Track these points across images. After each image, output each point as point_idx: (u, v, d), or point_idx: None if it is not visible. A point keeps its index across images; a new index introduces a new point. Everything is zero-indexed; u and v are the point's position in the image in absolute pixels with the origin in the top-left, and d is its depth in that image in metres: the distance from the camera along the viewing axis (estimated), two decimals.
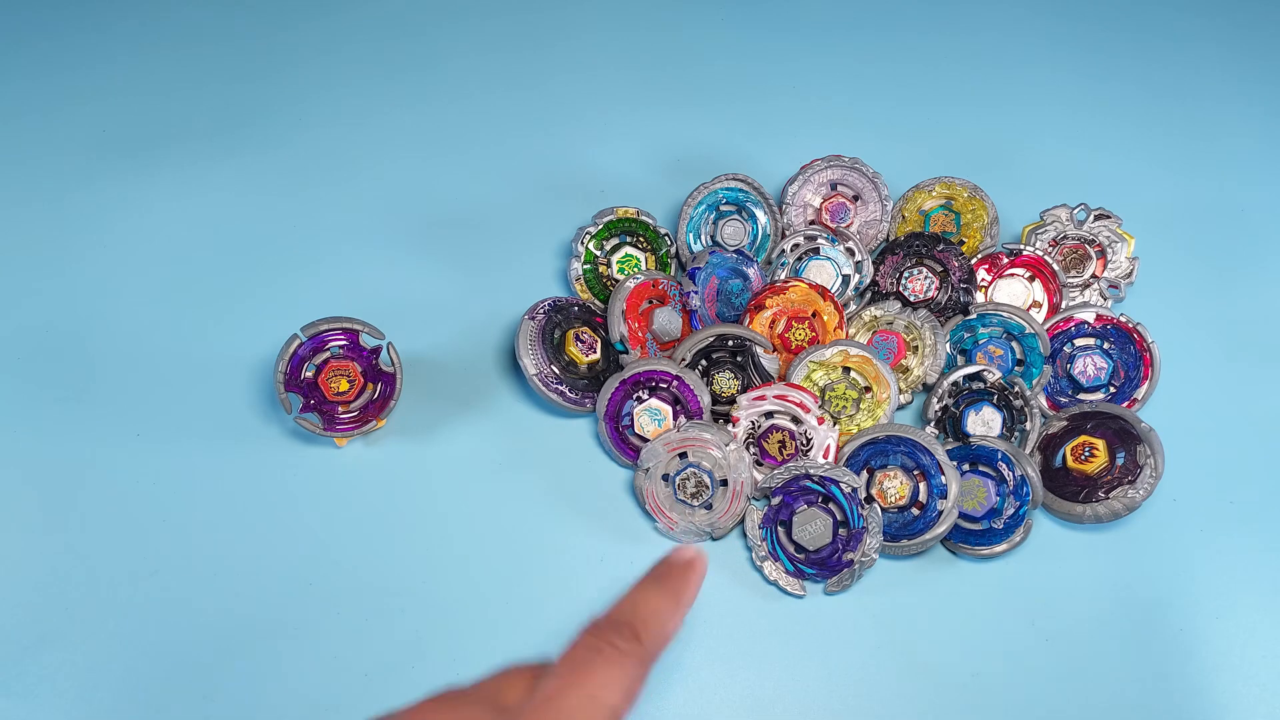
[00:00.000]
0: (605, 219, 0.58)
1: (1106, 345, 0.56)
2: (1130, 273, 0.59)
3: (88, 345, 0.57)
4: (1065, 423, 0.53)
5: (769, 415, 0.52)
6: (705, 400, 0.53)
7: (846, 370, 0.54)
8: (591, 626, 0.32)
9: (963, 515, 0.50)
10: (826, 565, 0.49)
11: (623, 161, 0.66)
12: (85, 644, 0.48)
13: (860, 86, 0.71)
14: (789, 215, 0.60)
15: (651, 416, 0.52)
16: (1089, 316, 0.56)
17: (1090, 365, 0.55)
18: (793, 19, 0.75)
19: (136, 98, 0.69)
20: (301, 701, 0.47)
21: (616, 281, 0.58)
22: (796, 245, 0.58)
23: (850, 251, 0.58)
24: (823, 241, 0.58)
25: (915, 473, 0.50)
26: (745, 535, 0.51)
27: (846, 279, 0.58)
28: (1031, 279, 0.58)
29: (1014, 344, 0.55)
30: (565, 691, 0.30)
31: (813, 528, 0.49)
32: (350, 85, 0.70)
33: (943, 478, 0.50)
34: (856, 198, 0.60)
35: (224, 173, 0.65)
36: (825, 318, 0.55)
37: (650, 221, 0.59)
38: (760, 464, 0.52)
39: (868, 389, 0.54)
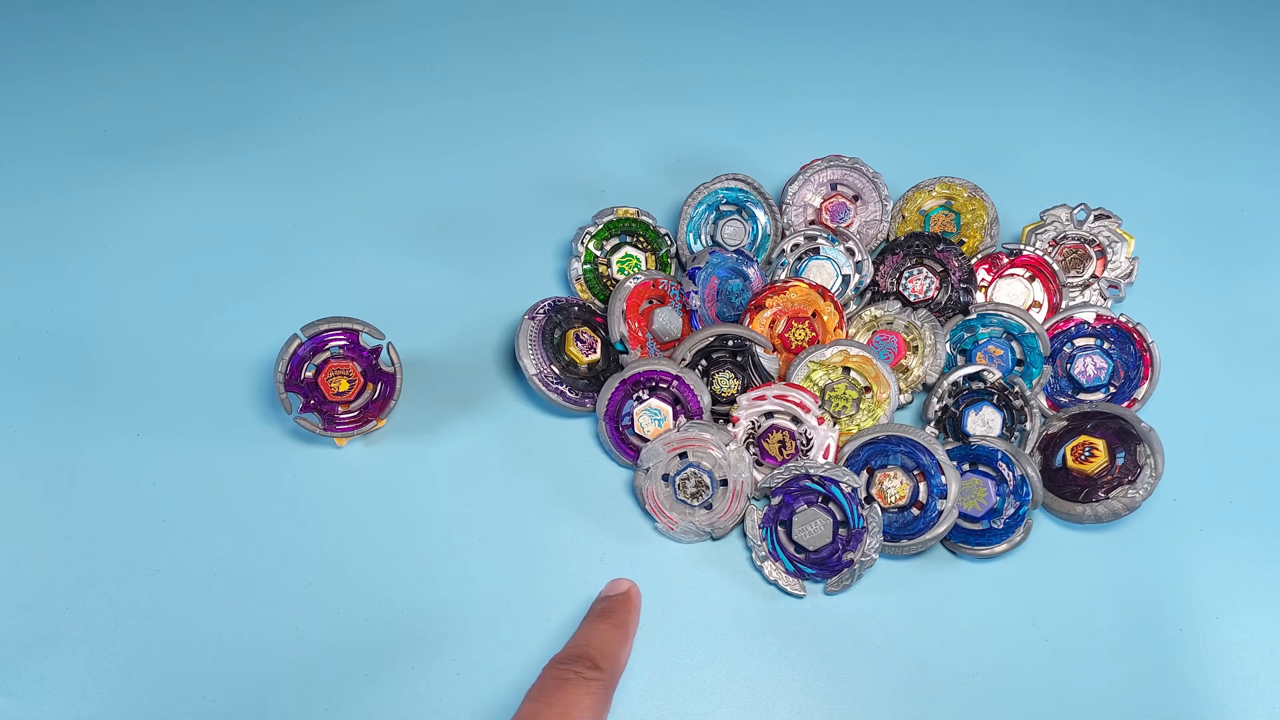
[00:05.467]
0: (605, 219, 0.58)
1: (1106, 345, 0.56)
2: (1130, 273, 0.59)
3: (88, 345, 0.57)
4: (1065, 423, 0.53)
5: (769, 415, 0.52)
6: (705, 400, 0.53)
7: (846, 370, 0.54)
8: (552, 662, 0.33)
9: (963, 515, 0.50)
10: (826, 565, 0.49)
11: (623, 161, 0.66)
12: (85, 644, 0.48)
13: (860, 86, 0.71)
14: (789, 215, 0.60)
15: (651, 416, 0.52)
16: (1089, 316, 0.56)
17: (1090, 365, 0.55)
18: (793, 19, 0.75)
19: (136, 97, 0.69)
20: (301, 701, 0.47)
21: (616, 281, 0.58)
22: (796, 245, 0.58)
23: (850, 251, 0.58)
24: (823, 241, 0.58)
25: (915, 473, 0.50)
26: (745, 535, 0.51)
27: (846, 279, 0.58)
28: (1031, 279, 0.58)
29: (1014, 344, 0.55)
30: (538, 714, 0.31)
31: (813, 528, 0.49)
32: (350, 85, 0.70)
33: (943, 478, 0.50)
34: (856, 198, 0.60)
35: (224, 172, 0.65)
36: (825, 318, 0.55)
37: (650, 221, 0.59)
38: (760, 464, 0.52)
39: (868, 389, 0.54)
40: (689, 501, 0.51)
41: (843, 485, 0.49)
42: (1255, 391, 0.57)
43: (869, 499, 0.50)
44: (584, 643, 0.36)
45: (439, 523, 0.52)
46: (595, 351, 0.54)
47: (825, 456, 0.52)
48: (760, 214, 0.60)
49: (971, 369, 0.54)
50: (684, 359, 0.54)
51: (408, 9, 0.75)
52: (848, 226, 0.60)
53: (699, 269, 0.57)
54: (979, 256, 0.58)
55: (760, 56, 0.73)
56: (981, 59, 0.73)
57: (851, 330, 0.56)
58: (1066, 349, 0.56)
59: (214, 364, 0.57)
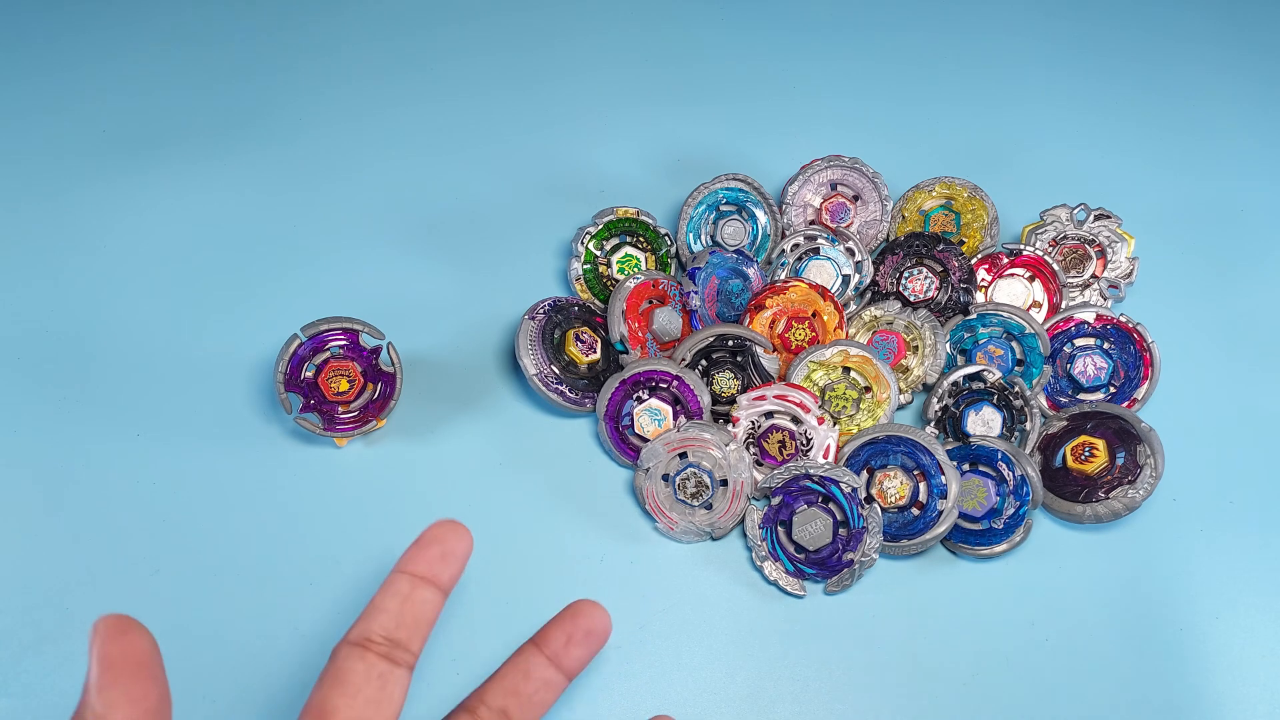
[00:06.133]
0: (605, 219, 0.58)
1: (1106, 345, 0.56)
2: (1130, 273, 0.59)
3: (87, 345, 0.57)
4: (1065, 423, 0.53)
5: (769, 415, 0.52)
6: (705, 400, 0.53)
7: (846, 370, 0.54)
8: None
9: (963, 515, 0.50)
10: (826, 565, 0.49)
11: (623, 161, 0.66)
12: (85, 644, 0.48)
13: (860, 86, 0.71)
14: (789, 215, 0.60)
15: (651, 416, 0.52)
16: (1089, 316, 0.56)
17: (1090, 365, 0.55)
18: (793, 19, 0.75)
19: (136, 97, 0.69)
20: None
21: (616, 281, 0.58)
22: (796, 245, 0.58)
23: (850, 251, 0.58)
24: (823, 241, 0.58)
25: (915, 473, 0.50)
26: (745, 535, 0.51)
27: (846, 279, 0.58)
28: (1031, 279, 0.58)
29: (1014, 344, 0.55)
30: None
31: (813, 528, 0.49)
32: (350, 85, 0.70)
33: (943, 478, 0.50)
34: (856, 198, 0.60)
35: (224, 172, 0.65)
36: (825, 318, 0.55)
37: (650, 221, 0.59)
38: (760, 464, 0.52)
39: (868, 389, 0.54)
40: (689, 501, 0.51)
41: (843, 485, 0.49)
42: (1255, 391, 0.57)
43: (869, 499, 0.50)
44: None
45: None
46: (595, 351, 0.54)
47: (825, 456, 0.52)
48: (760, 214, 0.60)
49: (971, 369, 0.54)
50: (684, 359, 0.54)
51: (408, 9, 0.75)
52: (848, 226, 0.60)
53: (699, 269, 0.57)
54: (979, 256, 0.58)
55: (760, 57, 0.73)
56: (982, 59, 0.73)
57: (851, 330, 0.56)
58: (1066, 349, 0.56)
59: (214, 364, 0.57)
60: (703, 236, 0.60)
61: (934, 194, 0.60)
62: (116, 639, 0.23)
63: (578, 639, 0.31)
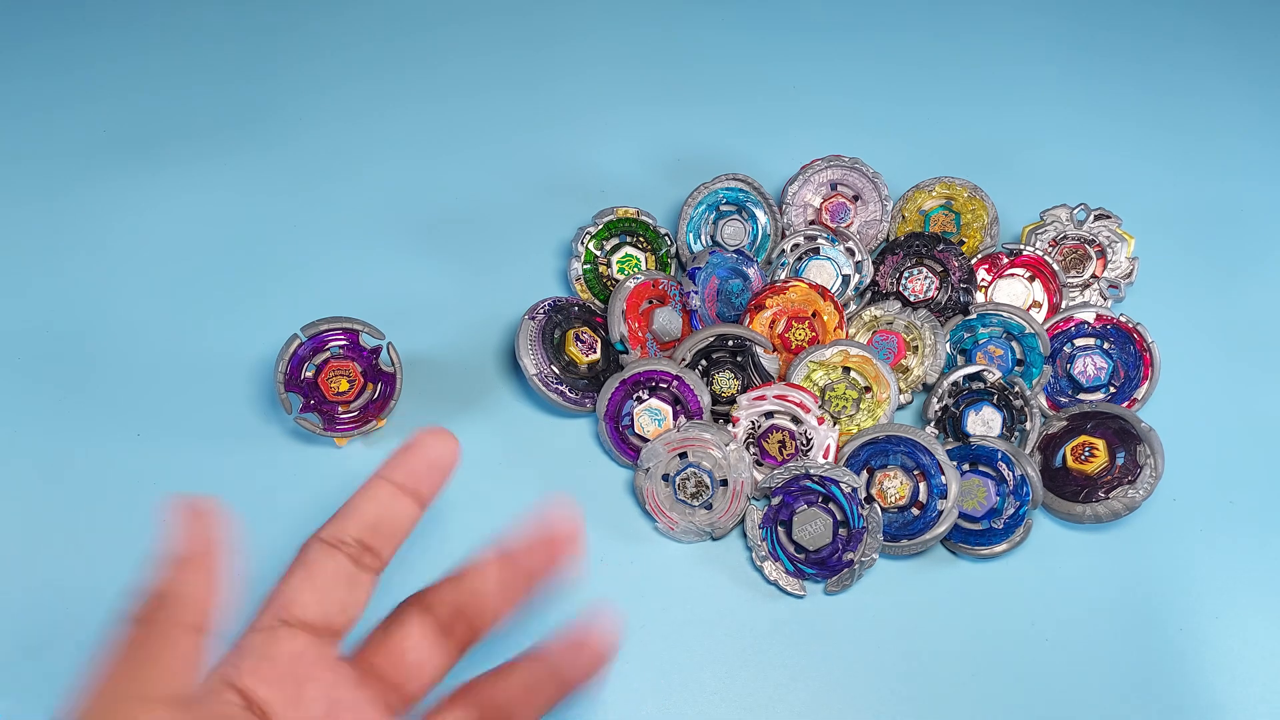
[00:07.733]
0: (605, 219, 0.58)
1: (1106, 345, 0.56)
2: (1130, 273, 0.59)
3: (87, 344, 0.57)
4: (1065, 423, 0.53)
5: (769, 415, 0.52)
6: (705, 400, 0.53)
7: (846, 370, 0.54)
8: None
9: (963, 515, 0.50)
10: (826, 565, 0.49)
11: (623, 161, 0.66)
12: (85, 645, 0.48)
13: (860, 86, 0.71)
14: (789, 215, 0.60)
15: (651, 416, 0.52)
16: (1089, 316, 0.56)
17: (1090, 365, 0.55)
18: (793, 19, 0.75)
19: (137, 96, 0.69)
20: None
21: (616, 281, 0.58)
22: (796, 245, 0.58)
23: (850, 251, 0.58)
24: (823, 241, 0.58)
25: (915, 473, 0.50)
26: (745, 535, 0.51)
27: (846, 279, 0.58)
28: (1031, 279, 0.58)
29: (1014, 344, 0.55)
30: None
31: (813, 528, 0.49)
32: (351, 85, 0.70)
33: (943, 478, 0.50)
34: (856, 198, 0.60)
35: (224, 172, 0.65)
36: (825, 318, 0.55)
37: (650, 221, 0.59)
38: (760, 464, 0.52)
39: (868, 389, 0.54)
40: (689, 501, 0.51)
41: (843, 485, 0.49)
42: (1255, 391, 0.57)
43: (869, 499, 0.50)
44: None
45: (439, 522, 0.52)
46: (595, 351, 0.54)
47: (825, 456, 0.52)
48: (760, 214, 0.60)
49: (971, 369, 0.54)
50: (684, 359, 0.54)
51: (408, 9, 0.75)
52: (848, 226, 0.60)
53: (699, 269, 0.57)
54: (979, 256, 0.58)
55: (760, 56, 0.73)
56: (982, 59, 0.73)
57: (851, 330, 0.56)
58: (1066, 349, 0.56)
59: (214, 364, 0.57)
60: (703, 236, 0.60)
61: (934, 194, 0.60)
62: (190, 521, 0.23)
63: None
